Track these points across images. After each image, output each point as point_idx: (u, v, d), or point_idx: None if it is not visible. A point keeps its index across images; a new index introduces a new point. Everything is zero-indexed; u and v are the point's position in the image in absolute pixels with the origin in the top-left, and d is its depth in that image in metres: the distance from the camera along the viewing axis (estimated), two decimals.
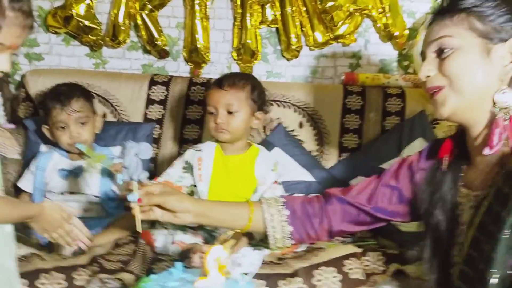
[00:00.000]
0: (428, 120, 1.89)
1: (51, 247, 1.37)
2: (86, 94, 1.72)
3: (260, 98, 1.52)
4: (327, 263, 1.25)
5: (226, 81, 1.49)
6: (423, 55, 0.98)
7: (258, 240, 1.32)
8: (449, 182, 0.98)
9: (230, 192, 1.46)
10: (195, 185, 1.49)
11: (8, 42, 0.94)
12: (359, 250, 1.33)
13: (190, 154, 1.52)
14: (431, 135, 1.88)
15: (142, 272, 1.20)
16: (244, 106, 1.47)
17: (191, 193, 1.49)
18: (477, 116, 0.92)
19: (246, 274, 0.90)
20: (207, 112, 1.52)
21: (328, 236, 1.16)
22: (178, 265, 0.98)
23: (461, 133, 1.00)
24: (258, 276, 1.17)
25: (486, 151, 0.88)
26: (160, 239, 1.38)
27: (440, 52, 0.93)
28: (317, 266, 1.25)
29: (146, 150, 1.19)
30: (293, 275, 1.21)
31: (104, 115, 1.93)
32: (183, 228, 1.37)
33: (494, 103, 0.90)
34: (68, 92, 1.68)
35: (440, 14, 0.95)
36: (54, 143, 1.71)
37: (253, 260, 0.91)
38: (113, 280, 1.12)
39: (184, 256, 1.24)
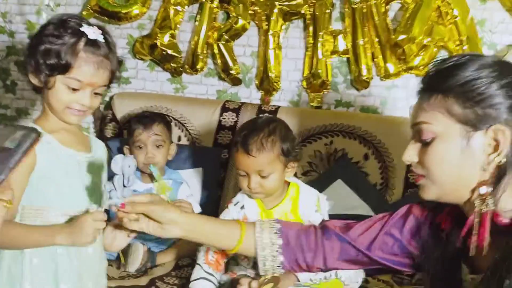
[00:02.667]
0: None
1: (119, 263, 1.51)
2: (166, 123, 1.87)
3: (291, 149, 1.38)
4: None
5: (252, 145, 1.34)
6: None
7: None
8: (452, 252, 0.91)
9: None
10: None
11: (85, 79, 1.06)
12: None
13: (234, 212, 1.43)
14: None
15: None
16: (276, 166, 1.36)
17: None
18: (462, 200, 0.86)
19: None
20: (238, 173, 1.40)
21: (321, 271, 1.11)
22: None
23: None
24: None
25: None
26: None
27: (420, 138, 0.87)
28: None
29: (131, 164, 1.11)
30: None
31: (179, 139, 2.08)
32: (237, 261, 1.42)
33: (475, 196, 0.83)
34: (152, 117, 1.85)
35: (420, 92, 0.89)
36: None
37: None
38: None
39: (233, 285, 1.31)
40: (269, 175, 1.36)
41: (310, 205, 1.42)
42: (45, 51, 1.05)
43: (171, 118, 2.10)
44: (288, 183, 1.46)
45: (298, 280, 1.32)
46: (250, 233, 1.08)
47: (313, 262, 1.07)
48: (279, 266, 1.08)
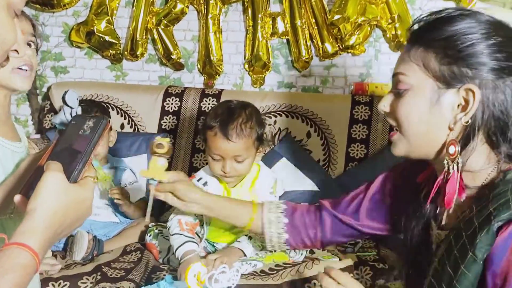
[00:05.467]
0: None
1: (64, 253, 1.49)
2: (104, 111, 1.82)
3: (263, 134, 1.42)
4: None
5: (232, 131, 1.35)
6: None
7: (251, 255, 1.37)
8: (426, 213, 0.92)
9: None
10: None
11: None
12: (351, 263, 1.37)
13: None
14: None
15: (142, 280, 1.29)
16: (251, 151, 1.39)
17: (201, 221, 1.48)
18: (429, 156, 0.86)
19: None
20: (210, 156, 1.40)
21: (321, 246, 1.19)
22: (168, 277, 1.07)
23: None
24: (248, 287, 1.25)
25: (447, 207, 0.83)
26: (163, 250, 1.46)
27: (396, 88, 0.85)
28: (309, 279, 1.30)
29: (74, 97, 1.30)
30: (283, 286, 1.26)
31: (122, 126, 2.05)
32: None
33: (445, 154, 0.82)
34: (88, 106, 1.78)
35: (406, 43, 0.87)
36: None
37: (230, 276, 0.97)
38: None
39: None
40: (244, 160, 1.39)
41: (266, 186, 1.46)
42: None
43: (113, 106, 2.07)
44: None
45: (245, 255, 1.35)
46: (259, 212, 1.18)
47: (315, 238, 1.15)
48: (284, 243, 1.17)
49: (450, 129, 0.81)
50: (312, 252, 1.56)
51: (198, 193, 1.19)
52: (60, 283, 1.23)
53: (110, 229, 1.69)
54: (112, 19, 2.18)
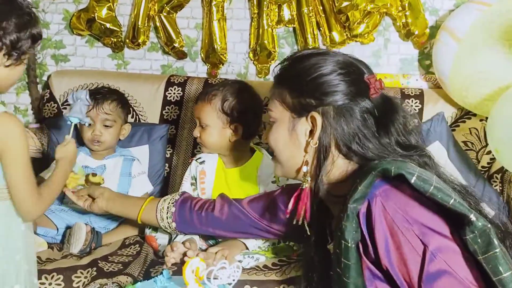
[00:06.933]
0: (447, 123, 1.83)
1: (61, 245, 1.44)
2: (121, 102, 1.76)
3: (234, 110, 1.43)
4: None
5: (201, 93, 1.49)
6: None
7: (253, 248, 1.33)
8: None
9: None
10: None
11: None
12: None
13: (194, 167, 1.51)
14: (450, 138, 1.82)
15: (140, 275, 1.24)
16: (213, 120, 1.43)
17: None
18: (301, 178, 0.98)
19: (224, 286, 0.91)
20: None
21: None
22: (165, 272, 1.02)
23: None
24: (251, 282, 1.20)
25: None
26: (163, 243, 1.42)
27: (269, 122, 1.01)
28: None
29: (86, 95, 1.38)
30: (287, 282, 1.21)
31: None
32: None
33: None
34: (105, 94, 1.74)
35: (272, 85, 1.02)
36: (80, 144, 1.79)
37: (231, 272, 0.93)
38: (110, 283, 1.16)
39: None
40: (206, 126, 1.44)
41: (269, 174, 1.44)
42: None
43: None
44: (254, 151, 1.51)
45: (247, 248, 1.30)
46: (153, 203, 1.32)
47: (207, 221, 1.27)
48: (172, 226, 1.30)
49: (306, 151, 0.94)
50: None
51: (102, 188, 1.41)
52: (53, 276, 1.18)
53: (109, 221, 1.65)
54: (113, 5, 2.12)
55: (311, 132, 0.94)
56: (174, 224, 1.29)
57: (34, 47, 1.12)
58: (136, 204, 1.35)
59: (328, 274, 0.93)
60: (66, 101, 2.05)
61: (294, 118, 0.95)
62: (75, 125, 1.38)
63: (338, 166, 0.94)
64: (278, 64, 1.02)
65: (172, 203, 1.30)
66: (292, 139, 0.96)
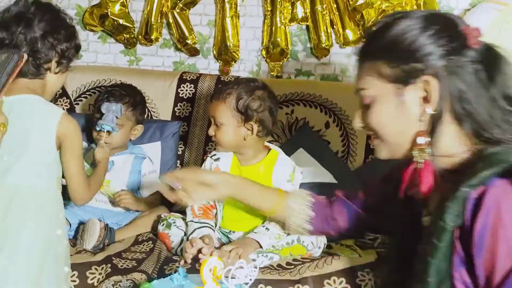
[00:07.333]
0: None
1: (75, 241, 1.45)
2: (135, 102, 1.75)
3: (248, 108, 1.43)
4: (339, 273, 1.24)
5: (215, 92, 1.50)
6: None
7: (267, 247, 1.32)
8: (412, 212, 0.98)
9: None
10: None
11: None
12: (372, 259, 1.31)
13: (208, 164, 1.51)
14: None
15: (154, 272, 1.24)
16: (227, 118, 1.43)
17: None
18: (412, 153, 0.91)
19: (241, 285, 0.91)
20: None
21: (336, 233, 1.25)
22: (181, 270, 1.01)
23: None
24: (265, 282, 1.19)
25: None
26: (176, 240, 1.42)
27: (362, 103, 0.93)
28: (329, 275, 1.24)
29: (119, 109, 1.60)
30: (302, 282, 1.21)
31: None
32: None
33: (413, 146, 0.89)
34: (120, 94, 1.72)
35: (357, 61, 0.96)
36: (90, 141, 1.79)
37: (248, 272, 0.92)
38: (125, 280, 1.16)
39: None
40: (221, 125, 1.44)
41: (284, 174, 1.45)
42: None
43: None
44: (269, 150, 1.51)
45: (261, 247, 1.30)
46: (284, 200, 1.23)
47: (335, 228, 1.22)
48: (305, 232, 1.24)
49: (420, 121, 0.87)
50: (329, 247, 1.51)
51: (225, 173, 1.27)
52: (68, 272, 1.18)
53: (122, 217, 1.65)
54: (126, 1, 2.12)
55: (425, 99, 0.86)
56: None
57: (77, 55, 1.29)
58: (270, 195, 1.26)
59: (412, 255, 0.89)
60: (79, 96, 2.05)
61: (399, 88, 0.87)
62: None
63: (448, 137, 0.86)
64: (362, 38, 0.97)
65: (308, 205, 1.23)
66: (401, 112, 0.88)
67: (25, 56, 0.95)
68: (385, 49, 0.88)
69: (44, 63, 1.19)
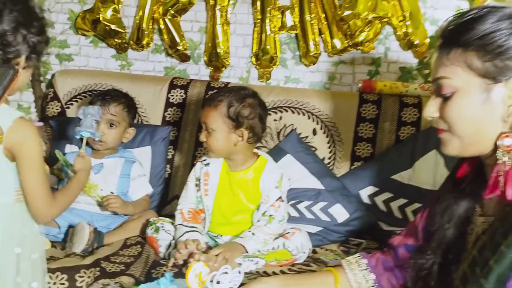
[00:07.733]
0: None
1: (63, 244, 1.47)
2: (128, 105, 1.79)
3: (239, 115, 1.46)
4: None
5: (207, 99, 1.53)
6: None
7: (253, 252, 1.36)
8: (466, 203, 0.94)
9: (234, 209, 1.50)
10: None
11: None
12: None
13: (198, 168, 1.55)
14: None
15: (142, 276, 1.27)
16: (219, 125, 1.45)
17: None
18: (484, 152, 0.88)
19: None
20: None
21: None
22: (168, 275, 1.04)
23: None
24: None
25: (486, 195, 0.85)
26: (164, 244, 1.45)
27: (440, 93, 0.88)
28: None
29: (97, 111, 1.46)
30: None
31: None
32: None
33: (498, 147, 0.84)
34: (114, 96, 1.77)
35: (439, 48, 0.89)
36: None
37: (232, 277, 0.95)
38: (113, 283, 1.19)
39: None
40: (212, 131, 1.46)
41: (272, 181, 1.49)
42: None
43: None
44: (258, 156, 1.55)
45: (247, 251, 1.33)
46: (342, 277, 1.08)
47: (397, 277, 1.08)
48: None
49: (505, 121, 0.83)
50: (314, 252, 1.55)
51: (275, 280, 1.06)
52: (57, 275, 1.21)
53: (111, 221, 1.67)
54: (118, 7, 2.14)
55: None
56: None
57: (46, 50, 1.15)
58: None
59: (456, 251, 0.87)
60: (70, 100, 2.08)
61: (488, 84, 0.82)
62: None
63: None
64: (448, 24, 0.88)
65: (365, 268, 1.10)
66: (485, 109, 0.83)
67: (20, 71, 0.91)
68: (479, 40, 0.83)
69: (13, 58, 1.05)
